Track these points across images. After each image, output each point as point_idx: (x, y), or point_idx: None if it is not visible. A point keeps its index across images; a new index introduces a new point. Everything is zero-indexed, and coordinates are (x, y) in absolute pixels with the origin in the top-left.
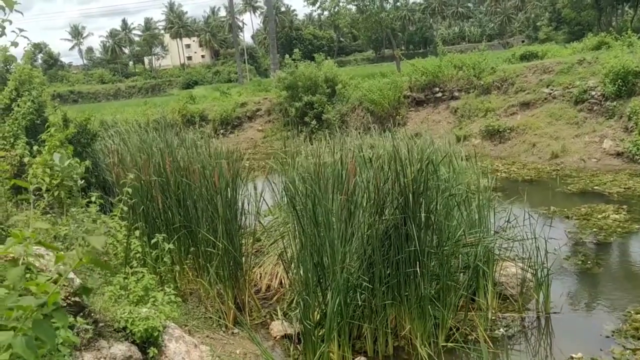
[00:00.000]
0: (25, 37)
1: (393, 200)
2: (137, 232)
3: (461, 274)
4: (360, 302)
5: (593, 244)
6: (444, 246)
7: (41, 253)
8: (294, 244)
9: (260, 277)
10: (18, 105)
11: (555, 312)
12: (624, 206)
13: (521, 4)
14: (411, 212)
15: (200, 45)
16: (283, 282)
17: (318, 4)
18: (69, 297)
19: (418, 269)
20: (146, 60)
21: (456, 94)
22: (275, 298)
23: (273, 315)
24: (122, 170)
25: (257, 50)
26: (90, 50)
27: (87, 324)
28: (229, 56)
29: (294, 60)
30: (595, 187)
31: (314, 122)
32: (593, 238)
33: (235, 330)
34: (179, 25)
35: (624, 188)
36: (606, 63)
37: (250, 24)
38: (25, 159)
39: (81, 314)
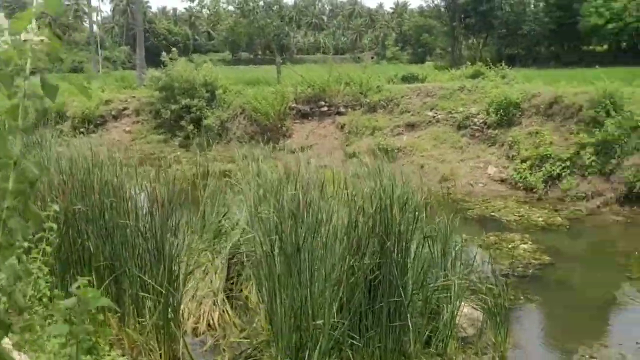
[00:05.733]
0: None
1: (372, 244)
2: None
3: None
4: None
5: (515, 277)
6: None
7: None
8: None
9: (183, 318)
10: None
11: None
12: (526, 235)
13: (371, 22)
14: (389, 258)
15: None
16: (211, 323)
17: (197, 0)
18: None
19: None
20: None
21: (342, 109)
22: (207, 346)
23: None
24: None
25: (105, 39)
26: None
27: None
28: (73, 43)
29: (171, 59)
30: (492, 214)
31: (190, 126)
32: (512, 270)
33: None
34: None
35: (518, 216)
36: (489, 93)
37: (97, 10)
38: None
39: None
